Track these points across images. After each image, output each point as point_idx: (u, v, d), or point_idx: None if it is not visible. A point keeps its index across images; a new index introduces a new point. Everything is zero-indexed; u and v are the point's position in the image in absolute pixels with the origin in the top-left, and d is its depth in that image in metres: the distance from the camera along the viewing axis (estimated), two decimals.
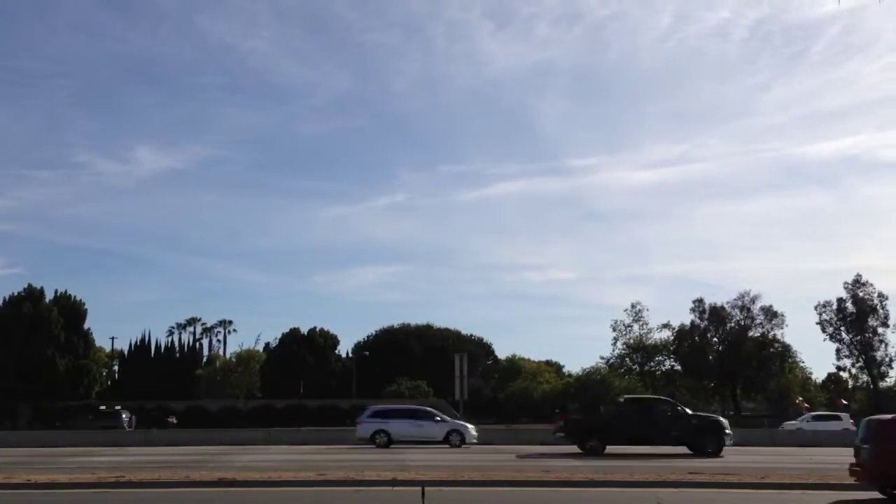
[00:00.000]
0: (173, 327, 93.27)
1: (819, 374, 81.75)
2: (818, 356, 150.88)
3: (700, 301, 73.00)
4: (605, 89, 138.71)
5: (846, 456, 17.31)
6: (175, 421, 56.05)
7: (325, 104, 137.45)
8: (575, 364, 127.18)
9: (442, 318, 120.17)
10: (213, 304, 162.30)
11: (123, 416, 51.69)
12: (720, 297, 75.89)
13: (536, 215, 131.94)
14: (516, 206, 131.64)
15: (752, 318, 71.58)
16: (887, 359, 69.22)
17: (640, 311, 75.84)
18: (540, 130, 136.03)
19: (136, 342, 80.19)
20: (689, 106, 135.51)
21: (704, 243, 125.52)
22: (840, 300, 69.80)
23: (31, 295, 69.53)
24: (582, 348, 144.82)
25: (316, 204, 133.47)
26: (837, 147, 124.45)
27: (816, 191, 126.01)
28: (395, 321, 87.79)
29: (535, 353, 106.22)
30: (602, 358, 76.56)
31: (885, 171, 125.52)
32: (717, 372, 71.39)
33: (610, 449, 27.34)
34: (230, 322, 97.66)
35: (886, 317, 68.86)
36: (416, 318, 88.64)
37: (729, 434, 28.01)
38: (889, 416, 16.12)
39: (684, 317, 75.81)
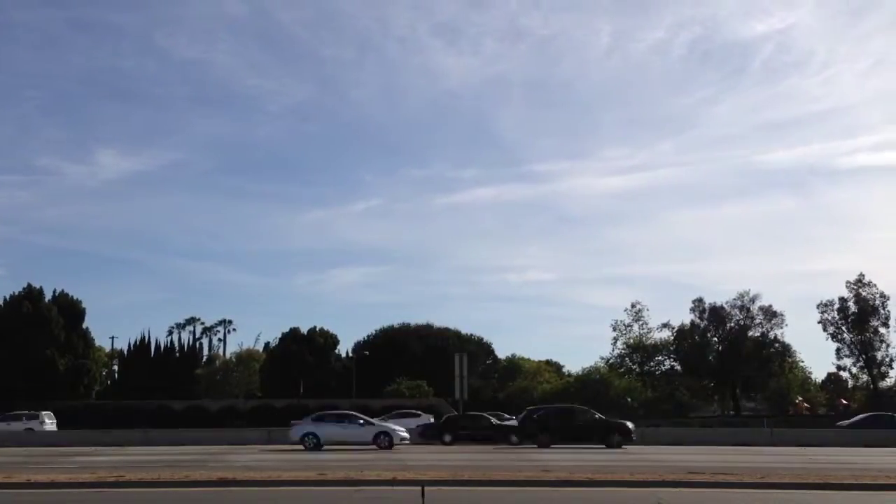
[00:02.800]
0: (173, 327, 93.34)
1: (819, 374, 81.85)
2: (818, 356, 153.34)
3: (700, 301, 73.00)
4: (560, 100, 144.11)
5: None
6: None
7: (287, 113, 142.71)
8: (575, 364, 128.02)
9: (438, 318, 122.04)
10: (201, 306, 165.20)
11: None
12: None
13: (511, 220, 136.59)
14: (491, 212, 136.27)
15: (752, 318, 71.54)
16: (888, 359, 69.18)
17: (639, 310, 75.97)
18: (502, 138, 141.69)
19: (136, 342, 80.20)
20: (643, 116, 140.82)
21: (680, 246, 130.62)
22: (842, 299, 69.74)
23: (31, 294, 69.48)
24: (581, 348, 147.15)
25: (292, 208, 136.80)
26: (794, 156, 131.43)
27: (783, 196, 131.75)
28: (380, 322, 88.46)
29: (534, 352, 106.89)
30: (602, 357, 76.71)
31: (845, 178, 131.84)
32: (717, 372, 71.34)
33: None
34: (230, 321, 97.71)
35: (887, 317, 68.86)
36: (400, 319, 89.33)
37: None
38: None
39: (683, 316, 75.91)
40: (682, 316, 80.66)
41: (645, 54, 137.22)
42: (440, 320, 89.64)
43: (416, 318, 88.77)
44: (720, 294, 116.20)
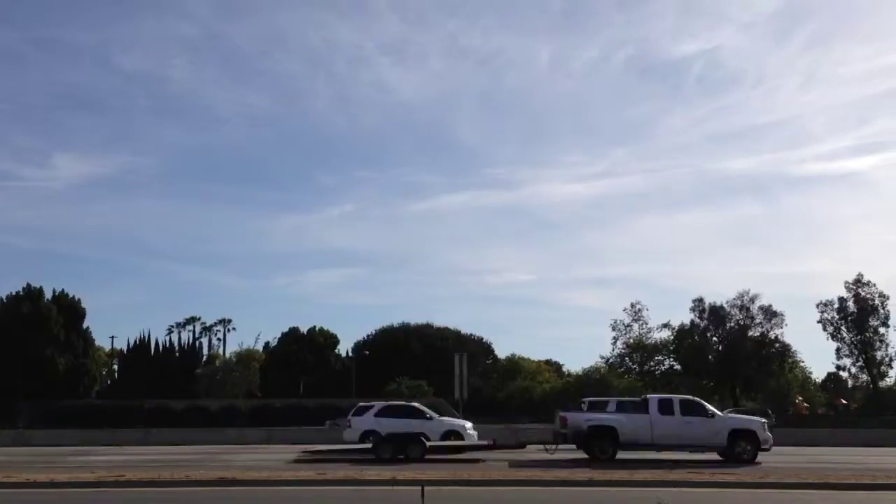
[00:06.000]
0: (172, 326, 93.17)
1: (819, 374, 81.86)
2: (818, 356, 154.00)
3: (700, 300, 72.96)
4: (512, 111, 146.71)
5: None
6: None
7: (246, 123, 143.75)
8: (575, 363, 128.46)
9: (429, 318, 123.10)
10: (197, 306, 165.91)
11: None
12: (685, 300, 77.16)
13: (486, 225, 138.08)
14: (465, 217, 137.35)
15: (752, 318, 71.52)
16: (887, 358, 69.20)
17: (639, 310, 75.95)
18: (462, 146, 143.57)
19: (136, 341, 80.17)
20: (594, 126, 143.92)
21: (655, 250, 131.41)
22: (841, 299, 69.75)
23: (31, 294, 69.47)
24: (580, 348, 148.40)
25: (266, 214, 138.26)
26: (749, 164, 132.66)
27: (748, 202, 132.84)
28: (372, 324, 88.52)
29: (535, 352, 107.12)
30: (602, 357, 76.71)
31: (803, 185, 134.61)
32: (717, 371, 71.31)
33: None
34: (229, 321, 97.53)
35: (887, 317, 68.88)
36: (390, 320, 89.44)
37: None
38: None
39: (684, 316, 75.92)
40: (681, 316, 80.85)
41: (585, 71, 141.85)
42: (432, 320, 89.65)
43: (410, 319, 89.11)
44: (704, 295, 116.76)
